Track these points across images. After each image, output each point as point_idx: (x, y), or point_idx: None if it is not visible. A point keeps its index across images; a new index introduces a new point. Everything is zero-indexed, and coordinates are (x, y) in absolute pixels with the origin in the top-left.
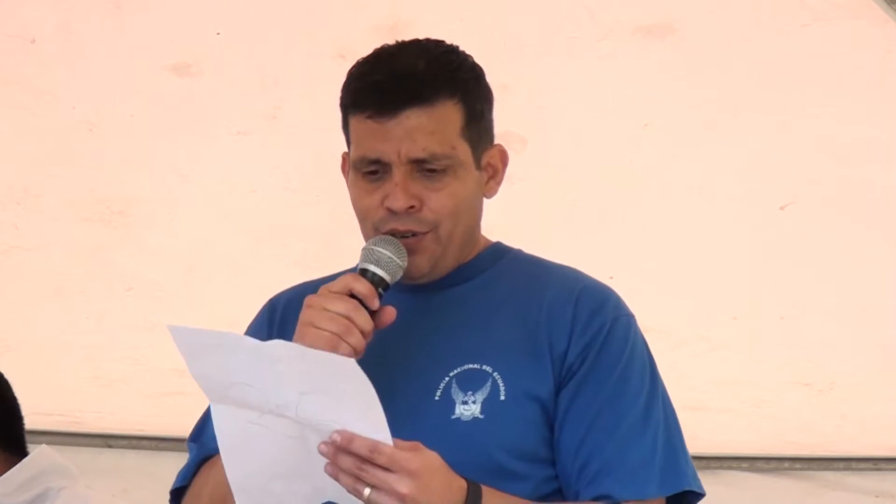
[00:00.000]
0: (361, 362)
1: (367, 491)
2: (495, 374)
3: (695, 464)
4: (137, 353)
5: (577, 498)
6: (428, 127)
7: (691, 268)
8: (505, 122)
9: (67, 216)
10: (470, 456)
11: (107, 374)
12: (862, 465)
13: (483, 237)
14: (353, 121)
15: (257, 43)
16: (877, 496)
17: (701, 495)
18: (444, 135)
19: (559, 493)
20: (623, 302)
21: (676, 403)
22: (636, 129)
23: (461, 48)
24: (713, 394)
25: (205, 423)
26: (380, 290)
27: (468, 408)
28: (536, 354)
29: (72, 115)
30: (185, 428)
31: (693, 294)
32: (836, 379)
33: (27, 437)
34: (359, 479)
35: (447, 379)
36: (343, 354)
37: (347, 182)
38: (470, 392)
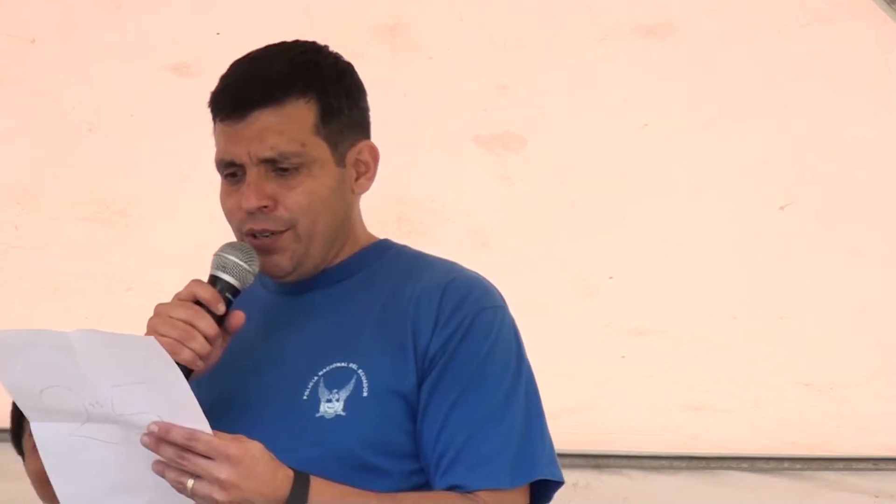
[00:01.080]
0: (235, 365)
1: (189, 483)
2: (360, 371)
3: (695, 464)
4: None
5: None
6: (277, 126)
7: (691, 268)
8: (505, 122)
9: (67, 216)
10: (331, 452)
11: None
12: (862, 465)
13: (367, 234)
14: (215, 126)
15: (257, 43)
16: (877, 496)
17: (559, 483)
18: (294, 133)
19: (427, 486)
20: (492, 292)
21: (676, 403)
22: (636, 129)
23: (330, 48)
24: (713, 394)
25: None
26: (228, 295)
27: (332, 406)
28: (401, 349)
29: (72, 115)
30: None
31: (693, 294)
32: (836, 379)
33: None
34: (182, 471)
35: (315, 378)
36: (185, 360)
37: None
38: (335, 390)
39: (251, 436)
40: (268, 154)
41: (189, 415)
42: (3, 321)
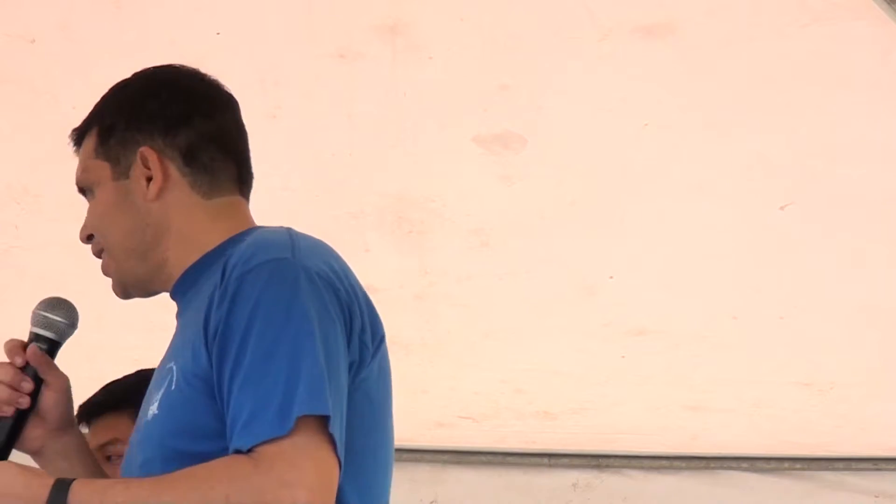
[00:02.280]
0: None
1: None
2: (174, 366)
3: (695, 464)
4: (137, 353)
5: None
6: (79, 164)
7: (691, 268)
8: (505, 122)
9: (67, 216)
10: (153, 452)
11: (107, 374)
12: (862, 465)
13: (221, 233)
14: None
15: (257, 43)
16: (877, 496)
17: (326, 417)
18: (84, 162)
19: None
20: (264, 251)
21: (676, 403)
22: (636, 128)
23: (140, 72)
24: (713, 394)
25: None
26: (42, 346)
27: (153, 408)
28: (196, 334)
29: (72, 115)
30: None
31: (693, 294)
32: (836, 379)
33: None
34: None
35: (155, 384)
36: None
37: None
38: (156, 392)
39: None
40: (77, 187)
41: None
42: (2, 321)
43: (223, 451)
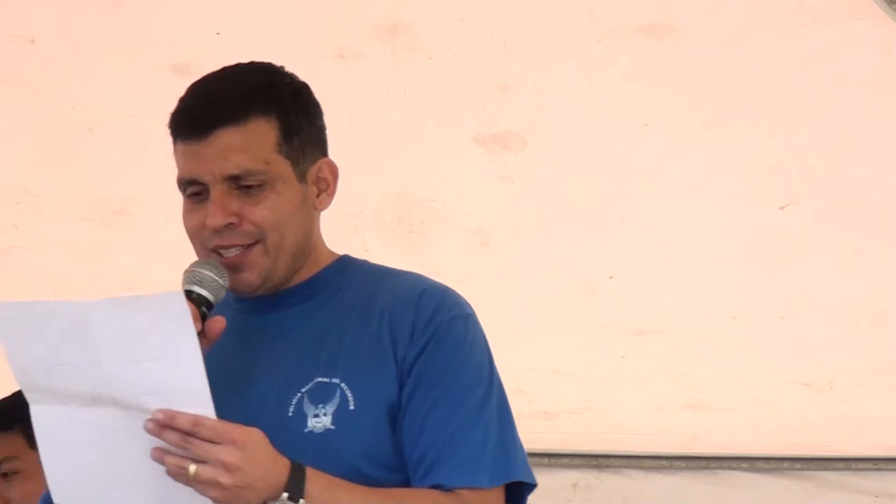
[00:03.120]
0: (214, 387)
1: (192, 468)
2: (343, 384)
3: (695, 464)
4: None
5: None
6: (240, 144)
7: (691, 268)
8: (505, 122)
9: (67, 216)
10: (328, 467)
11: None
12: (862, 465)
13: (329, 252)
14: (176, 146)
15: (257, 43)
16: (877, 496)
17: (533, 487)
18: (257, 151)
19: None
20: (462, 301)
21: (676, 403)
22: (636, 129)
23: (286, 69)
24: (713, 394)
25: None
26: (204, 309)
27: (319, 420)
28: (382, 361)
29: (72, 115)
30: None
31: (693, 294)
32: (836, 379)
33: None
34: (184, 456)
35: (299, 395)
36: None
37: None
38: (321, 405)
39: None
40: (233, 171)
41: (195, 396)
42: None
43: (401, 483)
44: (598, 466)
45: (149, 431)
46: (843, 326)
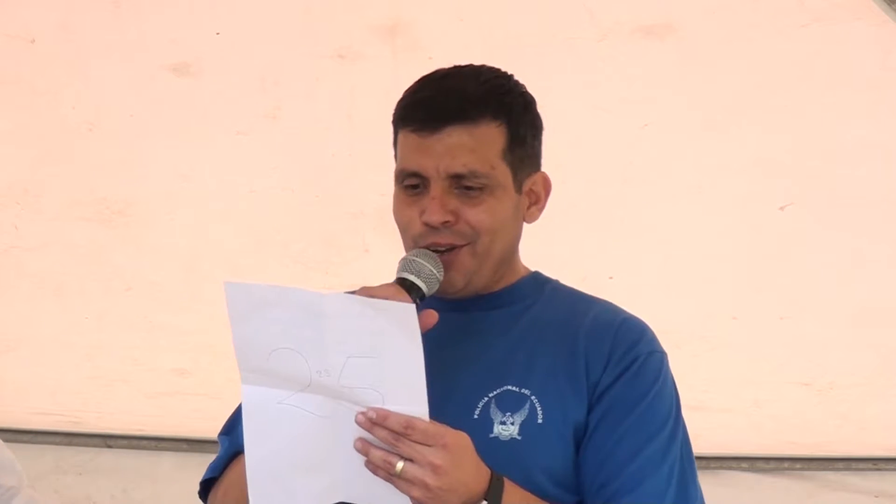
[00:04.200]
0: None
1: (399, 465)
2: (533, 397)
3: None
4: (137, 353)
5: None
6: (469, 144)
7: (691, 268)
8: None
9: (67, 216)
10: (509, 476)
11: (107, 374)
12: (862, 465)
13: (523, 266)
14: (400, 135)
15: (257, 43)
16: (877, 496)
17: None
18: (485, 154)
19: None
20: (657, 339)
21: None
22: (636, 129)
23: (516, 77)
24: (713, 394)
25: (238, 416)
26: (417, 299)
27: (506, 428)
28: (574, 381)
29: (72, 115)
30: (184, 428)
31: (693, 294)
32: (836, 379)
33: (27, 438)
34: (392, 453)
35: (486, 399)
36: None
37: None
38: (508, 413)
39: None
40: (458, 170)
41: (413, 396)
42: (2, 321)
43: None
44: None
45: (360, 425)
46: (843, 326)
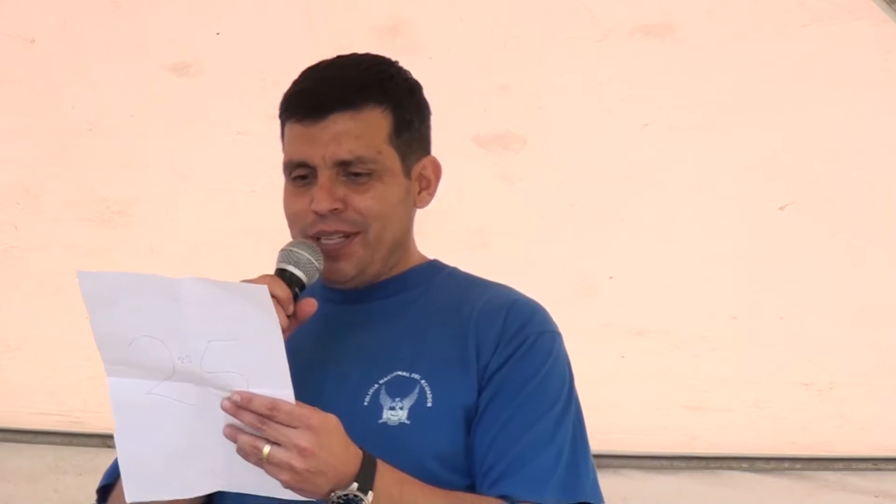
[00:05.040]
0: (292, 370)
1: (266, 449)
2: (423, 381)
3: (695, 464)
4: None
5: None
6: (354, 131)
7: (691, 268)
8: (505, 122)
9: (67, 216)
10: (397, 461)
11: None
12: (862, 465)
13: (419, 253)
14: (286, 128)
15: (257, 43)
16: (877, 496)
17: None
18: (370, 140)
19: None
20: (551, 318)
21: (676, 403)
22: (636, 129)
23: (400, 63)
24: (713, 394)
25: None
26: (296, 289)
27: (395, 413)
28: (464, 364)
29: (72, 115)
30: None
31: (693, 294)
32: (836, 379)
33: (27, 438)
34: (258, 437)
35: (376, 386)
36: None
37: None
38: (398, 398)
39: None
40: (345, 157)
41: (276, 379)
42: (2, 321)
43: (465, 488)
44: (597, 466)
45: (225, 410)
46: (843, 326)
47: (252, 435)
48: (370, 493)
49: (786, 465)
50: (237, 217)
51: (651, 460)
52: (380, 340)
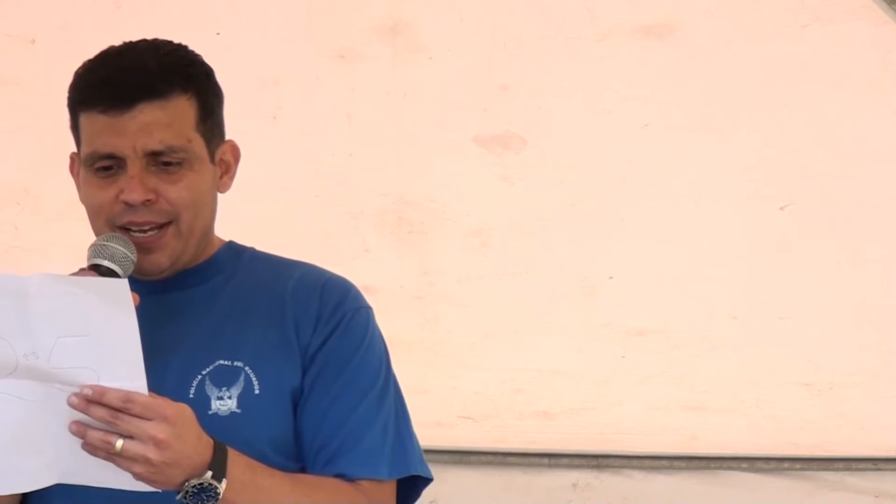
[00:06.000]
0: None
1: (119, 443)
2: (247, 368)
3: (695, 464)
4: None
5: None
6: (163, 120)
7: (691, 268)
8: (505, 122)
9: (67, 216)
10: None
11: None
12: (862, 465)
13: (217, 237)
14: (83, 118)
15: (257, 43)
16: (877, 496)
17: (429, 480)
18: (180, 128)
19: None
20: (362, 295)
21: (676, 403)
22: (636, 129)
23: (189, 47)
24: (713, 394)
25: None
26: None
27: (224, 403)
28: (286, 347)
29: None
30: None
31: (693, 294)
32: (836, 379)
33: None
34: (110, 432)
35: (200, 376)
36: None
37: (77, 182)
38: (224, 388)
39: None
40: (156, 147)
41: (130, 372)
42: None
43: (297, 472)
44: (598, 466)
45: (73, 406)
46: (843, 326)
47: (102, 430)
48: (224, 480)
49: (786, 465)
50: (237, 217)
51: (651, 460)
52: (196, 330)
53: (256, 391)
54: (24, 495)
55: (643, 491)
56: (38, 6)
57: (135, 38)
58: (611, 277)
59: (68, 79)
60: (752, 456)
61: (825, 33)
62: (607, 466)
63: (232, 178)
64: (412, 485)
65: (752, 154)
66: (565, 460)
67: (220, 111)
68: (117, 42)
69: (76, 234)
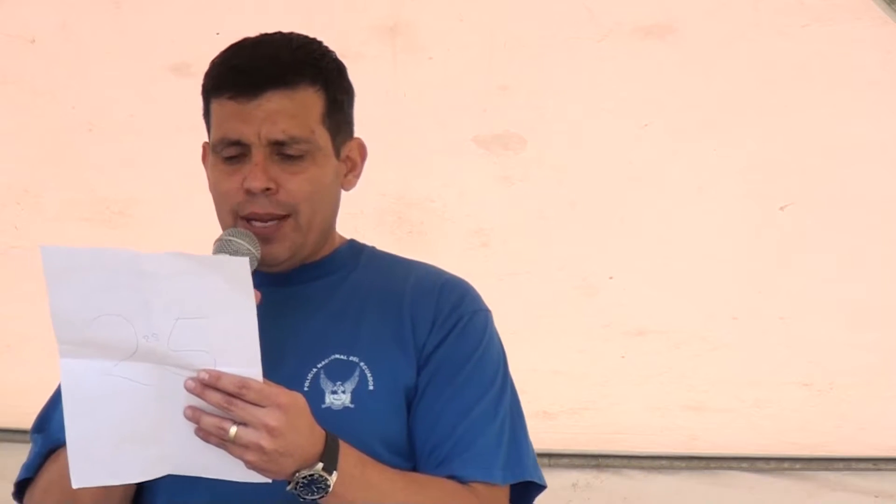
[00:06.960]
0: None
1: (233, 430)
2: (362, 364)
3: (695, 464)
4: None
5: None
6: (289, 110)
7: (691, 268)
8: (505, 122)
9: (67, 216)
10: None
11: None
12: (862, 465)
13: (339, 234)
14: (214, 104)
15: None
16: (877, 496)
17: (542, 487)
18: (304, 119)
19: None
20: (480, 297)
21: (676, 403)
22: (636, 129)
23: (324, 43)
24: (713, 394)
25: (50, 411)
26: None
27: (338, 397)
28: (401, 345)
29: (72, 115)
30: None
31: (693, 294)
32: (836, 379)
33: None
34: (224, 418)
35: (315, 370)
36: None
37: (207, 170)
38: (339, 382)
39: None
40: (279, 136)
41: (246, 357)
42: (2, 321)
43: (408, 470)
44: (598, 466)
45: (189, 390)
46: (843, 326)
47: (217, 416)
48: (335, 473)
49: (786, 465)
50: None
51: (651, 460)
52: (312, 323)
53: (371, 387)
54: (138, 486)
55: (643, 491)
56: (38, 6)
57: (134, 39)
58: (611, 277)
59: (68, 79)
60: (752, 456)
61: (825, 33)
62: (607, 466)
63: (357, 177)
64: (524, 492)
65: (751, 154)
66: (565, 460)
67: (349, 108)
68: (117, 42)
69: (76, 234)
